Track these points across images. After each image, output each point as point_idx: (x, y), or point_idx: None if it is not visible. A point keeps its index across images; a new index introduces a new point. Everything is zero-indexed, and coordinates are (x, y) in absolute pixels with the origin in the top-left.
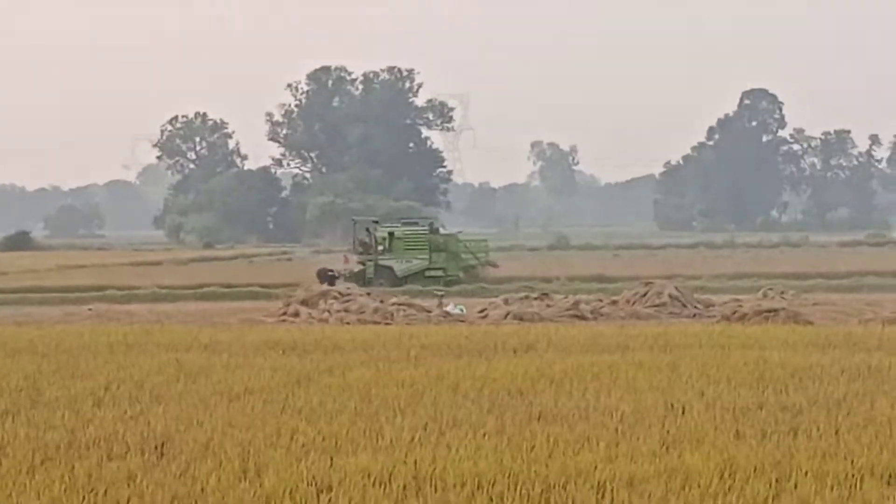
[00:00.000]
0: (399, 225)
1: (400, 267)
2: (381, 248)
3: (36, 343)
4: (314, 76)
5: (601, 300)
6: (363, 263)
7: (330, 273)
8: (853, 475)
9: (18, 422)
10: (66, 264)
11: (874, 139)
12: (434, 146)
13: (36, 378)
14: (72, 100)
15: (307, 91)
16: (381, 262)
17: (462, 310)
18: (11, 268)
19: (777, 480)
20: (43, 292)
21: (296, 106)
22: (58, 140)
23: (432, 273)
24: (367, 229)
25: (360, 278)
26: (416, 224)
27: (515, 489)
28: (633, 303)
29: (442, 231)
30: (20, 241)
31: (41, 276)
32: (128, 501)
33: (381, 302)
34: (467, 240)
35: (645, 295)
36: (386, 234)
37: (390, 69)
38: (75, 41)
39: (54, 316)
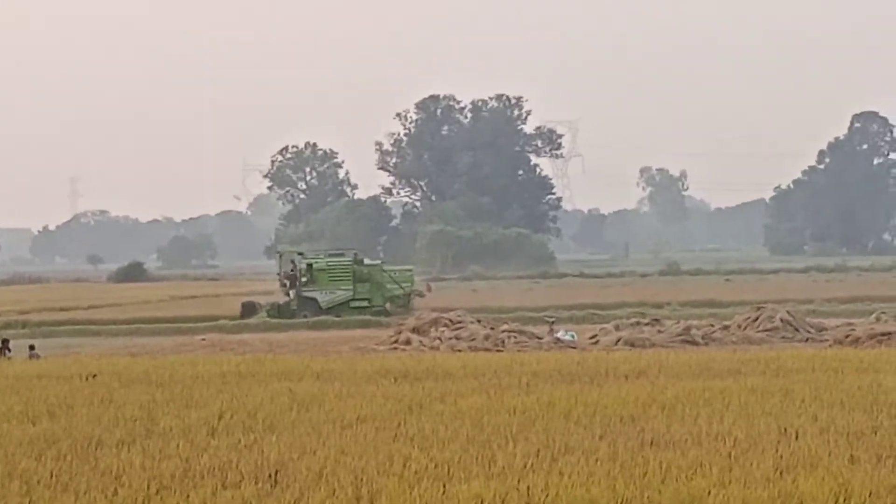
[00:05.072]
0: (322, 256)
1: (324, 298)
2: (304, 279)
3: (150, 373)
4: (423, 105)
5: (712, 325)
6: (288, 295)
7: (253, 304)
8: None
9: (134, 451)
10: (178, 295)
11: None
12: (543, 173)
13: (151, 408)
14: (183, 131)
15: (416, 120)
16: (304, 294)
17: (573, 336)
18: (125, 299)
19: None
20: (156, 323)
21: (405, 135)
22: (170, 172)
23: (357, 304)
24: (292, 261)
25: (285, 310)
26: (341, 255)
27: None
28: (745, 327)
29: (367, 262)
30: (134, 273)
31: (155, 307)
32: None
33: (492, 329)
34: (392, 269)
35: (757, 319)
36: (306, 266)
37: (499, 97)
38: (185, 72)
39: (168, 346)
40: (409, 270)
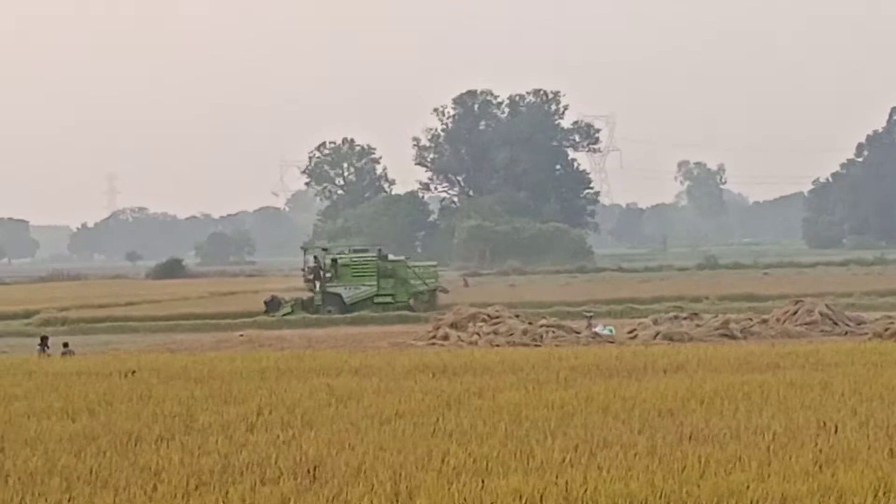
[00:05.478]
0: (346, 252)
1: (348, 294)
2: (328, 275)
3: (189, 369)
4: (460, 100)
5: (751, 319)
6: (312, 290)
7: (277, 299)
8: None
9: (173, 447)
10: (217, 291)
11: None
12: (581, 168)
13: (190, 404)
14: (221, 128)
15: (453, 115)
16: (329, 289)
17: (611, 330)
18: (164, 295)
19: None
20: (195, 319)
21: (442, 130)
22: (208, 168)
23: (381, 299)
24: (315, 257)
25: (309, 305)
26: (365, 251)
27: None
28: (784, 321)
29: (391, 257)
30: (172, 269)
31: (193, 303)
32: None
33: (530, 324)
34: (416, 265)
35: (795, 313)
36: (330, 262)
37: (536, 92)
38: (224, 71)
39: (206, 342)
40: (433, 266)
